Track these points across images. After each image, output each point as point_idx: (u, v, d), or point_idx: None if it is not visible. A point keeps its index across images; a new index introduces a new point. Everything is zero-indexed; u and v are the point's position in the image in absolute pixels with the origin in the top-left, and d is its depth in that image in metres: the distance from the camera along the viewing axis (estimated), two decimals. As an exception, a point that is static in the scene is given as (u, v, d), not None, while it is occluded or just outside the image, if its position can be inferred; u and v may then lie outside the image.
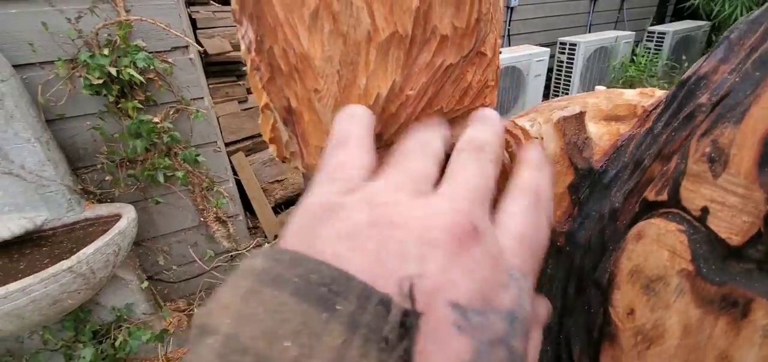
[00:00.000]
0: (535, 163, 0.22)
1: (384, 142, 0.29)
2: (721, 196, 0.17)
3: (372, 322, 0.11)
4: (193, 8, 2.17)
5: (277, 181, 3.27)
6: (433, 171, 0.19)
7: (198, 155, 1.55)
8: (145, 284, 1.59)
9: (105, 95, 1.34)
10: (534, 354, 0.17)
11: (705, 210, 0.17)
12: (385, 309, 0.12)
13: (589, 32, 4.55)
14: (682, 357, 0.18)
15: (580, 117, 0.29)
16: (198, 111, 1.48)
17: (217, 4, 2.55)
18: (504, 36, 4.16)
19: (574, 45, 3.91)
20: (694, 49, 4.47)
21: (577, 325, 0.23)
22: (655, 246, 0.19)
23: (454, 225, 0.14)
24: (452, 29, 0.24)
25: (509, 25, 4.20)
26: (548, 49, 3.61)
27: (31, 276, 1.14)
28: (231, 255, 1.82)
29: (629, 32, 4.20)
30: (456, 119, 0.31)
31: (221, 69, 2.64)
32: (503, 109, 3.58)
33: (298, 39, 0.23)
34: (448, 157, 0.22)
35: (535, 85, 3.67)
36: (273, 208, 2.71)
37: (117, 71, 1.30)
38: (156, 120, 1.41)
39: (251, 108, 3.45)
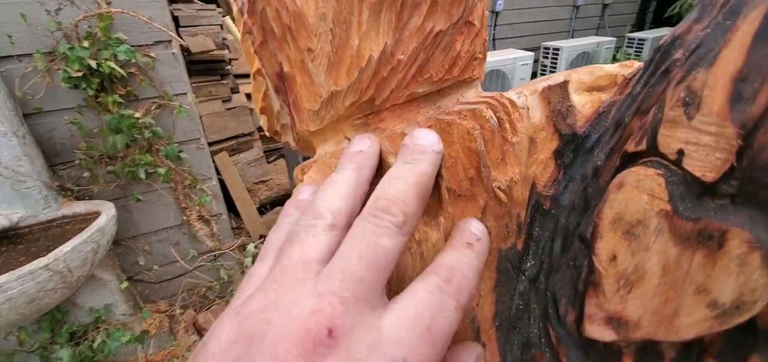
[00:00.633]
0: (460, 242, 0.21)
1: (375, 108, 0.29)
2: (696, 137, 0.18)
3: None
4: (175, 6, 2.14)
5: (262, 181, 3.23)
6: (325, 243, 0.18)
7: (181, 151, 1.52)
8: (125, 284, 1.55)
9: (84, 88, 1.31)
10: None
11: (680, 153, 0.18)
12: None
13: (572, 38, 4.67)
14: (662, 296, 0.19)
15: (564, 85, 0.30)
16: (181, 106, 1.46)
17: (200, 2, 2.52)
18: (489, 40, 4.23)
19: (557, 50, 4.01)
20: (669, 56, 4.61)
21: (563, 280, 0.24)
22: (635, 192, 0.20)
23: (304, 333, 0.14)
24: (442, -8, 0.24)
25: (494, 30, 4.27)
26: (532, 54, 3.68)
27: (7, 274, 1.10)
28: (214, 255, 1.79)
29: (610, 38, 4.33)
30: (444, 90, 0.32)
31: (204, 67, 2.60)
32: (488, 111, 3.63)
33: (292, -3, 0.24)
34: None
35: (519, 88, 3.73)
36: (258, 209, 2.68)
37: (97, 64, 1.27)
38: (137, 115, 1.38)
39: (235, 107, 3.41)
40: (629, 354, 0.21)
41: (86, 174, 1.40)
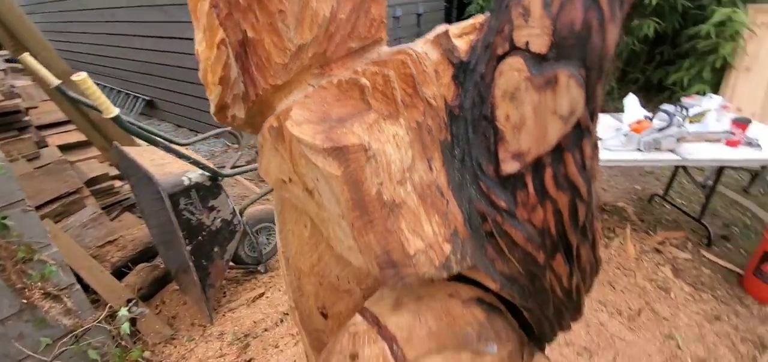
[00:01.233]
0: None
1: (326, 60, 0.37)
2: (532, 31, 0.32)
3: None
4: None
5: (109, 242, 2.73)
6: None
7: (5, 218, 1.20)
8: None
9: None
10: None
11: (527, 43, 0.32)
12: None
13: (397, 43, 5.30)
14: (538, 126, 0.33)
15: (446, 32, 0.43)
16: (-4, 162, 1.16)
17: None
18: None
19: (390, 49, 4.51)
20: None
21: (480, 149, 0.37)
22: (510, 72, 0.33)
23: None
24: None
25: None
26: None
27: None
28: (76, 336, 1.46)
29: (427, 36, 5.08)
30: (367, 47, 0.42)
31: (-2, 121, 2.07)
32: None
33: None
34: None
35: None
36: (114, 274, 2.26)
37: None
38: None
39: (48, 164, 2.79)
40: (528, 173, 0.34)
41: None
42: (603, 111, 2.31)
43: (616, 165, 2.32)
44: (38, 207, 2.47)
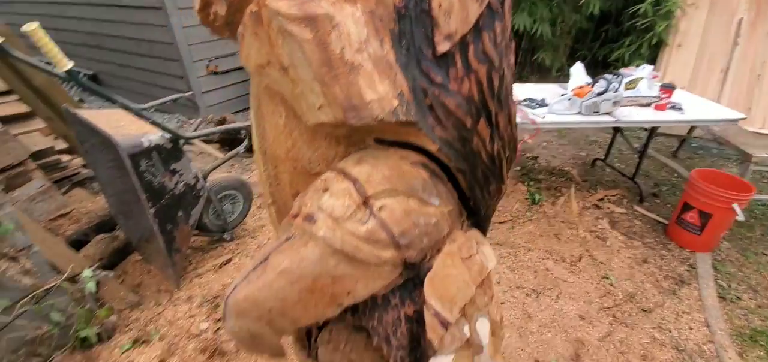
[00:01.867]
0: None
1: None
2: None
3: None
4: None
5: (62, 215, 2.63)
6: None
7: (-45, 171, 1.16)
8: None
9: None
10: None
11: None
12: None
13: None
14: (462, 8, 0.42)
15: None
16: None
17: None
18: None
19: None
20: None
21: (421, 37, 0.46)
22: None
23: None
24: None
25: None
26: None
27: None
28: (36, 297, 1.44)
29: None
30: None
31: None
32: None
33: None
34: None
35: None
36: (71, 246, 2.19)
37: None
38: None
39: (-12, 135, 2.62)
40: (457, 51, 0.44)
41: None
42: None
43: (564, 127, 2.53)
44: (-20, 181, 2.32)
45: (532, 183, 3.00)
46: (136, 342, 1.77)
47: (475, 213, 0.59)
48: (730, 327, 1.90)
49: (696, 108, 2.46)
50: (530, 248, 2.38)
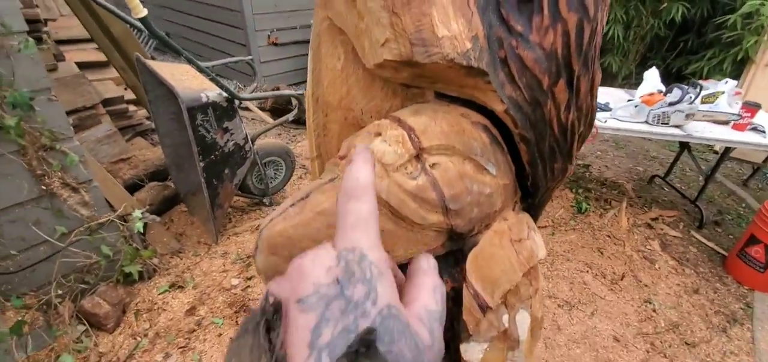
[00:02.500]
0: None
1: None
2: None
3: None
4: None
5: (122, 159, 2.82)
6: None
7: (32, 98, 1.26)
8: (-29, 279, 1.24)
9: None
10: (389, 290, 0.20)
11: None
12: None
13: None
14: None
15: None
16: (27, 40, 1.21)
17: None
18: None
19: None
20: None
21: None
22: None
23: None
24: None
25: None
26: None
27: None
28: (90, 229, 1.55)
29: None
30: None
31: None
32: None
33: None
34: None
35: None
36: (127, 189, 2.34)
37: None
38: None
39: (66, 77, 2.83)
40: None
41: None
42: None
43: (626, 135, 2.35)
44: (55, 117, 2.53)
45: (580, 191, 2.83)
46: (173, 286, 1.87)
47: (530, 196, 0.54)
48: (790, 379, 1.70)
49: (782, 133, 2.19)
50: (569, 258, 2.25)
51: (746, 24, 3.40)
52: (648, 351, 1.75)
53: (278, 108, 3.55)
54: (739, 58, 3.50)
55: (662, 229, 2.52)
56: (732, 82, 2.28)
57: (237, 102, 1.92)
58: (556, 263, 2.21)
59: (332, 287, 0.19)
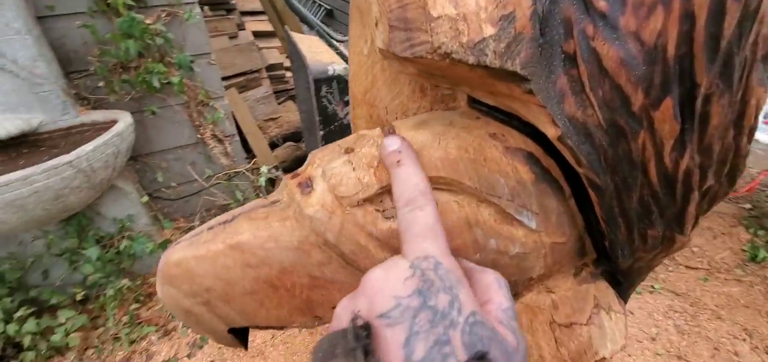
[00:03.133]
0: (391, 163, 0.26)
1: None
2: None
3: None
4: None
5: (272, 118, 3.25)
6: None
7: (192, 61, 1.53)
8: (145, 199, 1.60)
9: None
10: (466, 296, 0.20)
11: None
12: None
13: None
14: None
15: None
16: (191, 11, 1.45)
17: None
18: None
19: None
20: None
21: None
22: None
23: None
24: None
25: None
26: None
27: (33, 167, 1.14)
28: (229, 175, 1.84)
29: None
30: None
31: (208, 1, 2.57)
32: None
33: None
34: None
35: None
36: (269, 145, 2.71)
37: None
38: (148, 21, 1.37)
39: (242, 44, 3.36)
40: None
41: (101, 83, 1.42)
42: None
43: None
44: (228, 77, 3.08)
45: (760, 232, 2.03)
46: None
47: (612, 260, 0.36)
48: None
49: None
50: (721, 316, 1.65)
51: None
52: None
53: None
54: None
55: None
56: None
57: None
58: (700, 318, 1.66)
59: (414, 298, 0.19)
